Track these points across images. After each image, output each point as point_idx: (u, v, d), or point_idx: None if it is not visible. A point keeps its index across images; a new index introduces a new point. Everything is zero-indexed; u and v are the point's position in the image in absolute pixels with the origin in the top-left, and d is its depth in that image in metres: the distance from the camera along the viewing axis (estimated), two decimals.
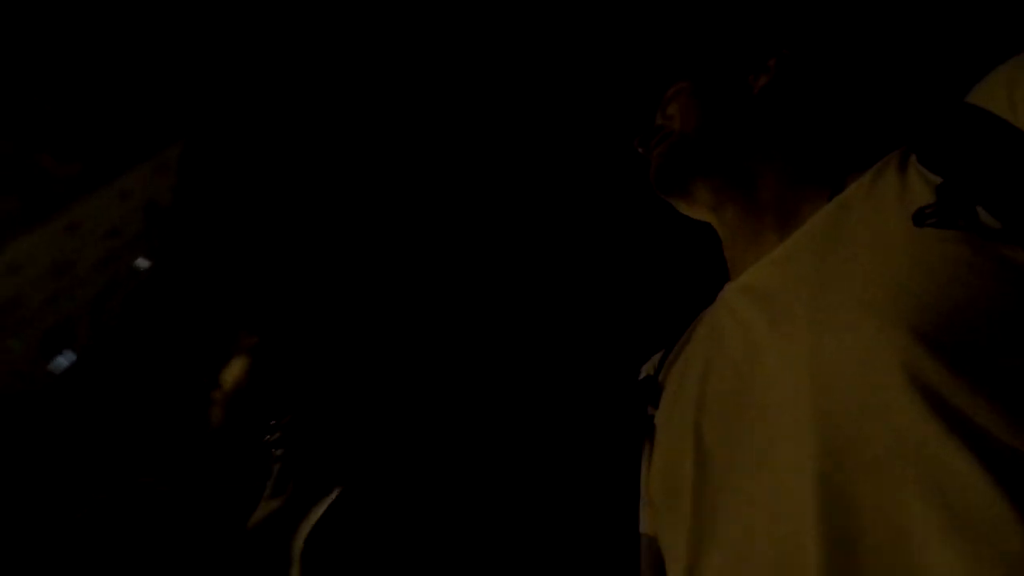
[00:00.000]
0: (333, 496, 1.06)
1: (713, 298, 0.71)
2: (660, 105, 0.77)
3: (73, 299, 23.52)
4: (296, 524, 1.03)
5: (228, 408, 1.16)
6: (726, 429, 0.54)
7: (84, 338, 25.70)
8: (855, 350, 0.45)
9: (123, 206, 23.75)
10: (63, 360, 24.93)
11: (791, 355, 0.50)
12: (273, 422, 1.08)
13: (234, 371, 1.19)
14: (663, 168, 0.72)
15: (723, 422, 0.55)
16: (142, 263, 27.46)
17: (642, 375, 0.77)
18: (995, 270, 0.43)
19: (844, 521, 0.40)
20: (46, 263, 21.06)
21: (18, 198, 19.20)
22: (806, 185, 0.65)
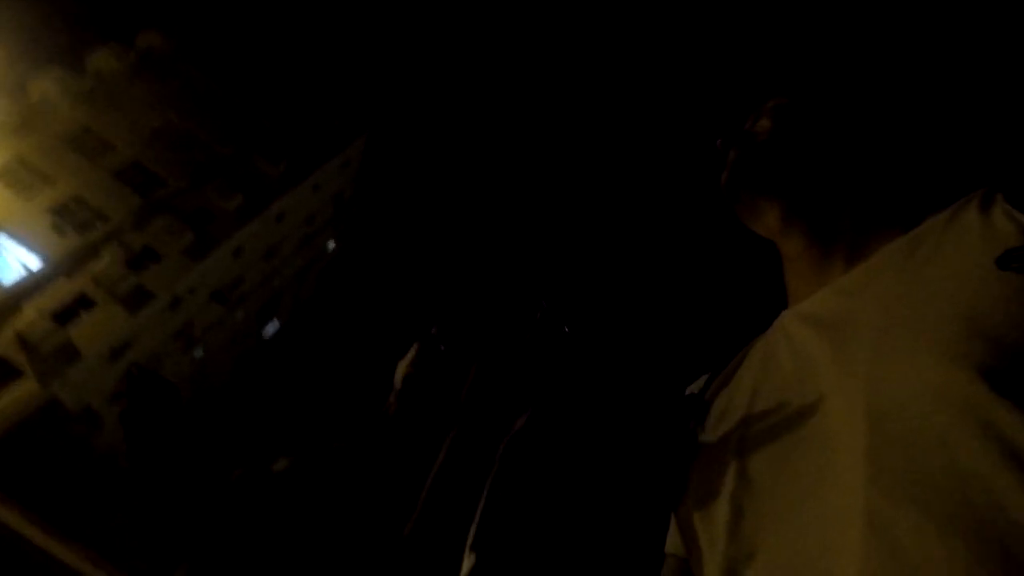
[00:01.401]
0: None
1: (768, 324, 0.69)
2: (754, 113, 0.76)
3: (280, 277, 27.74)
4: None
5: (400, 397, 1.19)
6: (771, 455, 0.53)
7: (287, 309, 30.18)
8: (916, 383, 0.44)
9: (316, 198, 27.29)
10: (271, 328, 29.52)
11: (850, 386, 0.49)
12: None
13: (405, 361, 1.21)
14: (737, 173, 0.71)
15: (769, 448, 0.54)
16: (330, 245, 31.42)
17: (687, 394, 0.77)
18: None
19: (890, 559, 0.38)
20: (262, 248, 24.99)
21: (242, 195, 23.00)
22: (879, 219, 0.64)
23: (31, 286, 18.04)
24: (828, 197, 0.68)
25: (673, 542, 0.69)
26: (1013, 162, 0.55)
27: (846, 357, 0.52)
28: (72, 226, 19.89)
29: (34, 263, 18.66)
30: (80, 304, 18.94)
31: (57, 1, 21.53)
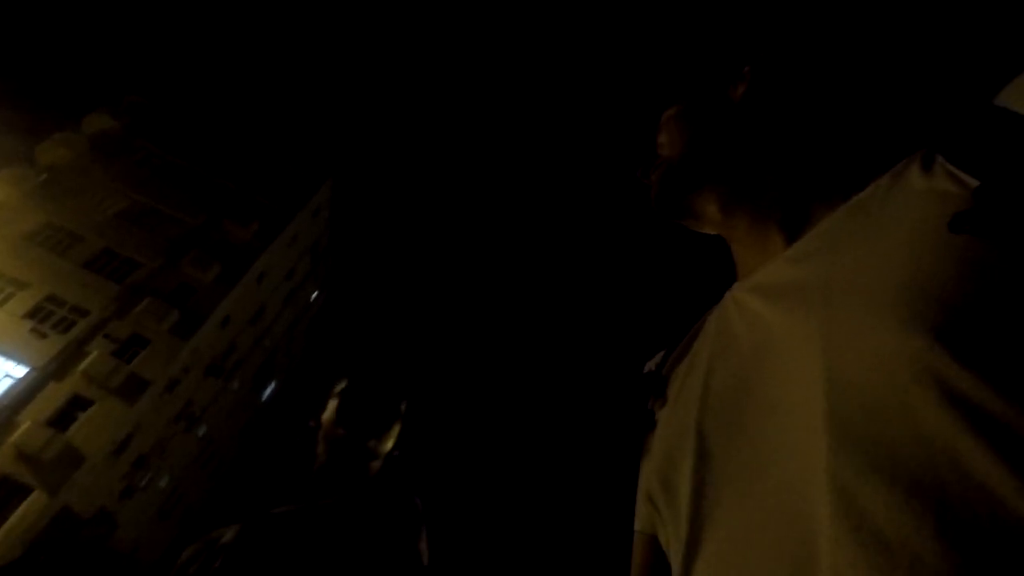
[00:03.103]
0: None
1: (719, 298, 0.70)
2: (658, 132, 0.77)
3: (270, 336, 27.25)
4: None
5: (327, 442, 1.26)
6: (730, 426, 0.53)
7: (283, 368, 29.62)
8: (874, 351, 0.43)
9: (293, 251, 26.92)
10: (270, 390, 28.97)
11: (803, 353, 0.49)
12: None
13: (328, 412, 1.29)
14: (660, 194, 0.72)
15: (727, 419, 0.54)
16: (315, 295, 30.97)
17: (645, 371, 0.77)
18: None
19: (856, 529, 0.38)
20: (248, 313, 24.55)
21: (219, 263, 22.57)
22: (817, 188, 0.63)
23: (21, 396, 17.43)
24: (758, 174, 0.68)
25: (641, 519, 0.69)
26: (948, 119, 0.53)
27: (799, 326, 0.51)
28: (52, 327, 19.29)
29: (20, 372, 18.03)
30: (75, 405, 18.36)
31: None
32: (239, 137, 27.30)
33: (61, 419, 17.87)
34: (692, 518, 0.53)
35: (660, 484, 0.60)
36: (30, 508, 16.34)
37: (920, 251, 0.46)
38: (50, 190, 21.77)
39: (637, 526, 0.70)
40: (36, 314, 19.38)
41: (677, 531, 0.56)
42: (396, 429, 1.27)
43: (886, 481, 0.39)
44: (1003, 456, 0.36)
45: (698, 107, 0.74)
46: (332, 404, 1.29)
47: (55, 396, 18.01)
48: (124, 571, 18.45)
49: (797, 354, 0.50)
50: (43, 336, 18.87)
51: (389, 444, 1.25)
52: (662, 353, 0.76)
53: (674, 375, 0.69)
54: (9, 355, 18.29)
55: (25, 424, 16.89)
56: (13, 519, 16.01)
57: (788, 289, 0.56)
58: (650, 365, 0.77)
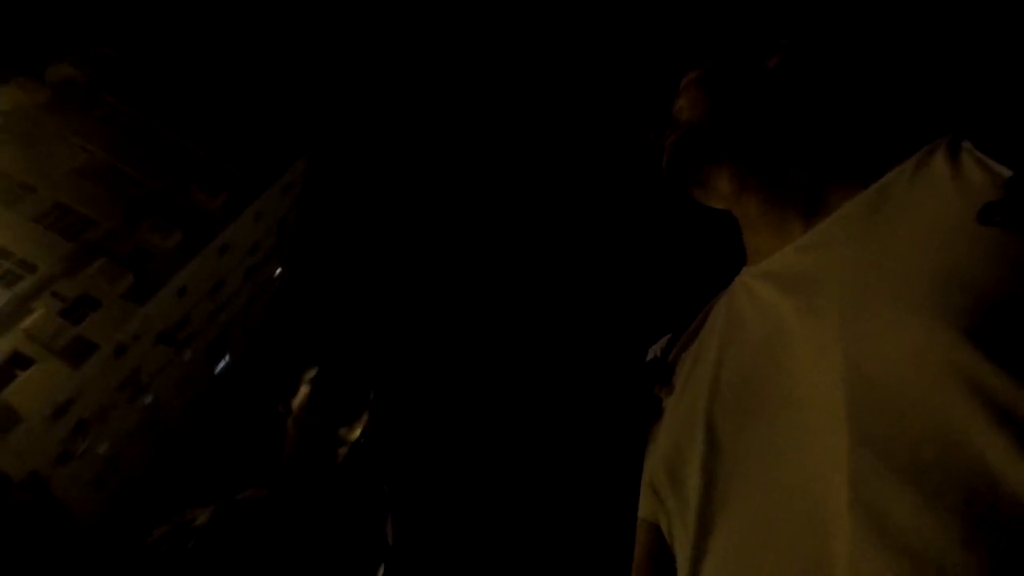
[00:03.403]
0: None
1: (727, 283, 0.68)
2: (677, 95, 0.73)
3: (228, 311, 26.54)
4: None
5: (297, 428, 1.28)
6: (741, 417, 0.51)
7: (238, 343, 28.90)
8: (899, 346, 0.42)
9: (259, 226, 26.28)
10: (222, 364, 28.24)
11: (820, 345, 0.47)
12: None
13: (299, 398, 1.31)
14: (674, 157, 0.69)
15: (738, 410, 0.52)
16: (278, 272, 30.31)
17: (649, 357, 0.75)
18: None
19: (877, 532, 0.36)
20: (207, 284, 23.86)
21: (182, 231, 21.87)
22: (837, 171, 0.61)
23: None
24: (779, 153, 0.65)
25: (645, 507, 0.68)
26: (975, 105, 0.51)
27: (816, 316, 0.50)
28: None
29: None
30: (15, 363, 17.53)
31: None
32: (215, 103, 26.49)
33: None
34: (701, 510, 0.52)
35: (667, 474, 0.59)
36: None
37: (948, 243, 0.44)
38: (3, 138, 20.71)
39: (641, 513, 0.69)
40: None
41: (685, 523, 0.55)
42: (364, 417, 1.32)
43: (909, 483, 0.37)
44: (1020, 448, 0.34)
45: (726, 73, 0.70)
46: (304, 390, 1.31)
47: None
48: (53, 536, 17.73)
49: (814, 346, 0.48)
50: None
51: (357, 432, 1.30)
52: (667, 338, 0.75)
53: (680, 362, 0.68)
54: None
55: None
56: None
57: (804, 278, 0.54)
58: (655, 350, 0.75)
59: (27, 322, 17.69)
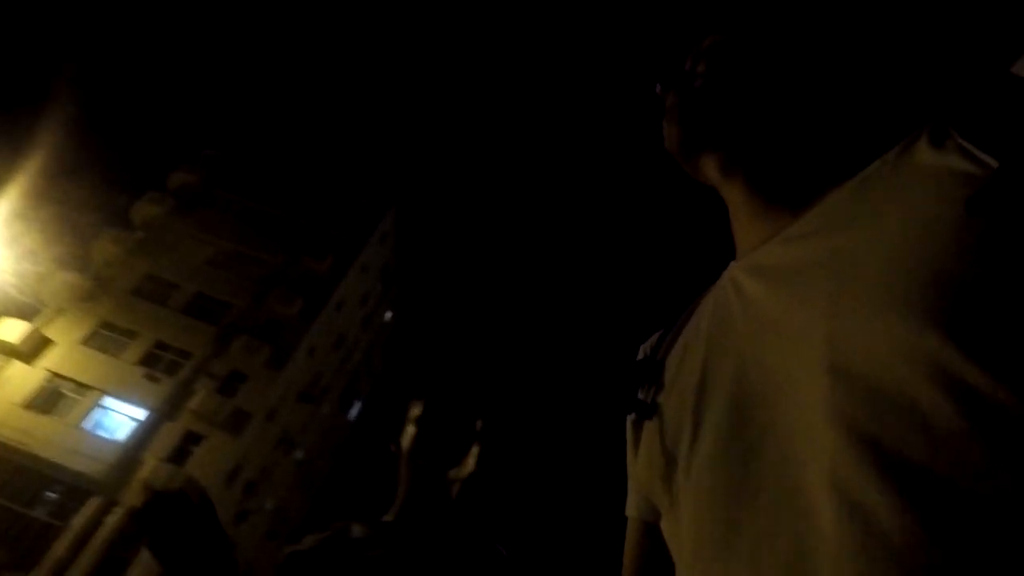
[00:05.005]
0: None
1: (716, 277, 0.66)
2: (693, 52, 0.68)
3: (352, 360, 28.66)
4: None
5: (408, 469, 1.28)
6: (729, 418, 0.50)
7: (365, 388, 31.05)
8: (883, 342, 0.40)
9: (365, 278, 28.21)
10: (355, 409, 30.41)
11: (806, 341, 0.46)
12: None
13: (406, 437, 1.31)
14: (681, 129, 0.66)
15: (725, 410, 0.51)
16: (388, 316, 32.28)
17: (639, 356, 0.74)
18: None
19: (863, 534, 0.35)
20: (331, 340, 25.94)
21: (301, 298, 24.03)
22: (821, 163, 0.59)
23: (143, 436, 19.21)
24: (764, 143, 0.63)
25: (633, 505, 0.68)
26: (959, 91, 0.49)
27: (800, 310, 0.48)
28: (162, 371, 21.13)
29: (140, 414, 19.88)
30: (189, 441, 20.06)
31: (84, 174, 23.05)
32: (306, 176, 28.89)
33: (178, 455, 19.59)
34: (691, 513, 0.51)
35: (655, 471, 0.59)
36: None
37: (930, 235, 0.43)
38: (146, 246, 23.82)
39: (628, 511, 0.69)
40: (147, 360, 21.29)
41: (676, 519, 0.55)
42: (475, 450, 1.27)
43: (895, 485, 0.36)
44: (1001, 451, 0.34)
45: (747, 49, 0.65)
46: (410, 431, 1.31)
47: (171, 434, 19.73)
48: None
49: (798, 342, 0.47)
50: (155, 380, 20.71)
51: (468, 469, 1.25)
52: (657, 335, 0.74)
53: (670, 358, 0.66)
54: (129, 400, 20.20)
55: (150, 461, 18.62)
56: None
57: (789, 273, 0.52)
58: (645, 348, 0.75)
59: (193, 403, 20.18)
